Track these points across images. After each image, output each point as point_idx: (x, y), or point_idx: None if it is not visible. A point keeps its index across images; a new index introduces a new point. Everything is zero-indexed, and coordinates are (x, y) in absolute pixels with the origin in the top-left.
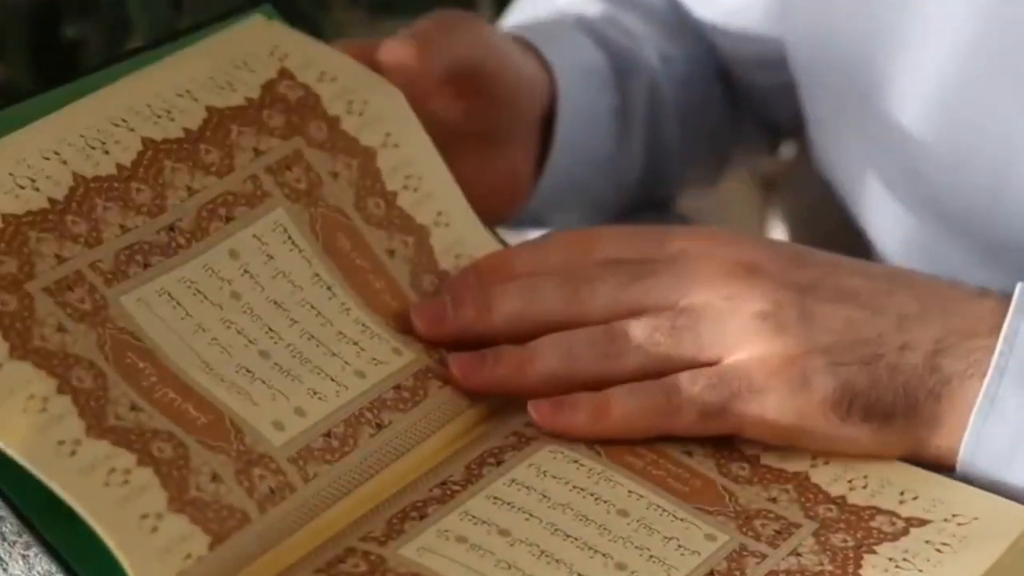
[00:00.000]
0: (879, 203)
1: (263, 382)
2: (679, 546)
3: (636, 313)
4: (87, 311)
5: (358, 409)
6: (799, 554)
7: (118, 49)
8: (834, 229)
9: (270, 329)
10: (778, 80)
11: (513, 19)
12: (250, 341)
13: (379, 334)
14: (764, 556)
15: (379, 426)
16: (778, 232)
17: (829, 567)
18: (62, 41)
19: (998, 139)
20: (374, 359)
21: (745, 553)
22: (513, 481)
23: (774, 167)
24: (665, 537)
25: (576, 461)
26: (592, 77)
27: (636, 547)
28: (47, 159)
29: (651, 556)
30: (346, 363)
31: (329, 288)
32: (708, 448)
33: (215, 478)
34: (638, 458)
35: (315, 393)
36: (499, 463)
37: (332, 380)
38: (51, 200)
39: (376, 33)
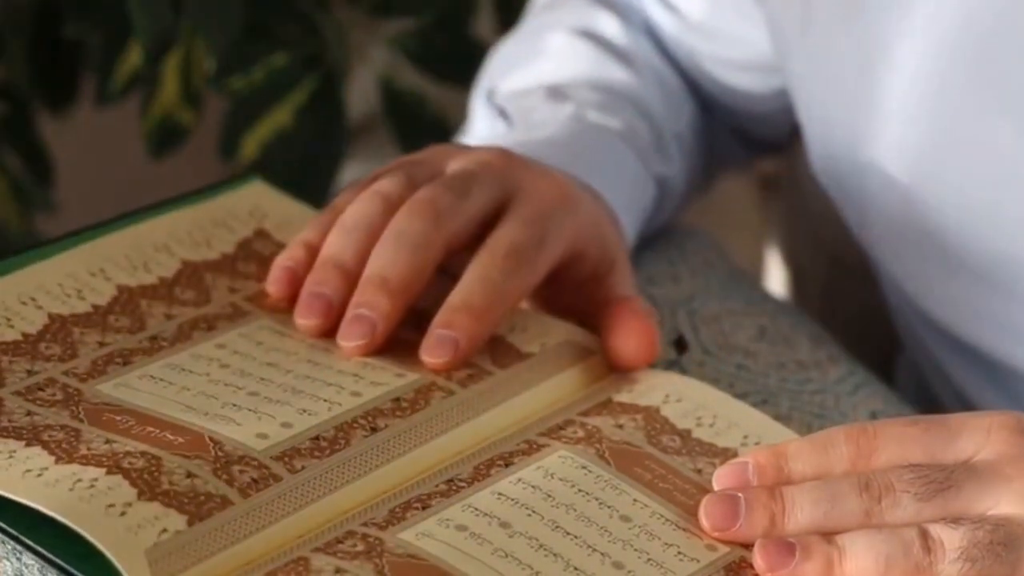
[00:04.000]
0: (873, 220)
1: (250, 409)
2: (679, 552)
3: (945, 520)
4: (58, 400)
5: (351, 418)
6: None
7: (118, 49)
8: (835, 230)
9: (261, 379)
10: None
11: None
12: (238, 388)
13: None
14: None
15: (373, 429)
16: (777, 233)
17: None
18: (62, 41)
19: (992, 153)
20: (372, 382)
21: (745, 565)
22: (520, 480)
23: (774, 167)
24: (665, 543)
25: (585, 467)
26: (642, 215)
27: (635, 549)
28: (24, 304)
29: (649, 559)
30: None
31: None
32: None
33: (189, 475)
34: (647, 471)
35: (305, 411)
36: (508, 465)
37: (324, 400)
38: (24, 334)
39: (376, 33)
